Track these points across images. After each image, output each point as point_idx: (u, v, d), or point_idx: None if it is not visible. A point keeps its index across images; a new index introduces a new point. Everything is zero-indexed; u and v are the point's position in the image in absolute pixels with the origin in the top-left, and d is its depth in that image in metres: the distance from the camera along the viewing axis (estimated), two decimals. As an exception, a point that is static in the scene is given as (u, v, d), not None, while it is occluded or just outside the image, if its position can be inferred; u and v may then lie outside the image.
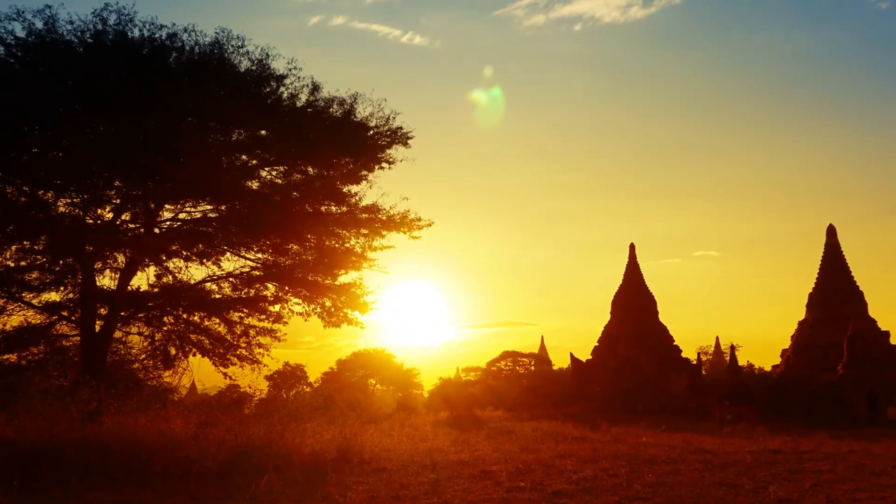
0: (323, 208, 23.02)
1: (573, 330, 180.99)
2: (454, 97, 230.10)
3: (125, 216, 22.75)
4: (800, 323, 64.15)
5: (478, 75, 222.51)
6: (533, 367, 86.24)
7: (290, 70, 21.37)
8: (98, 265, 23.03)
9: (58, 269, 23.21)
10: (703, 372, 70.02)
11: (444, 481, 13.44)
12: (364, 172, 22.88)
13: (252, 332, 24.93)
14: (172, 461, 13.36)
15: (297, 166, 22.67)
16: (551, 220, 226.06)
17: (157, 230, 22.82)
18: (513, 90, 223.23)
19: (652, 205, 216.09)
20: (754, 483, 12.98)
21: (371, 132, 22.43)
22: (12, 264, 22.42)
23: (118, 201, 22.16)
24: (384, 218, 23.06)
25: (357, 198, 22.99)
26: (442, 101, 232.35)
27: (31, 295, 23.26)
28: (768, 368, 70.01)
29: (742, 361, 72.72)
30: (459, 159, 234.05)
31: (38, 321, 23.50)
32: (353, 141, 21.97)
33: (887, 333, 56.78)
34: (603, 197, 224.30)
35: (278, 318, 24.71)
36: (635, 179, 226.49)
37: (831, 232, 64.47)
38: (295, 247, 23.83)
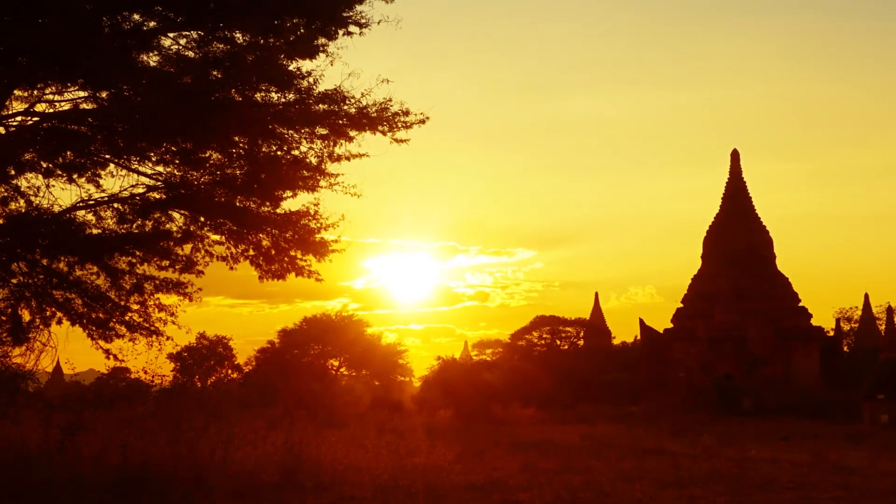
0: (258, 96, 22.92)
1: (644, 283, 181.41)
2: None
3: (-48, 108, 22.76)
4: None
5: None
6: (582, 341, 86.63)
7: None
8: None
9: None
10: (846, 349, 70.38)
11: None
12: (322, 41, 22.72)
13: (149, 287, 25.02)
14: (26, 485, 13.54)
15: (217, 31, 22.53)
16: (608, 117, 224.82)
17: (1, 129, 22.81)
18: None
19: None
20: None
21: (332, -22, 22.32)
22: None
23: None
24: (353, 111, 22.98)
25: (311, 80, 22.89)
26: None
27: None
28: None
29: (905, 332, 72.97)
30: (466, 19, 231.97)
31: None
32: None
33: None
34: (696, 82, 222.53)
35: (189, 264, 24.77)
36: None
37: None
38: (215, 155, 23.75)
